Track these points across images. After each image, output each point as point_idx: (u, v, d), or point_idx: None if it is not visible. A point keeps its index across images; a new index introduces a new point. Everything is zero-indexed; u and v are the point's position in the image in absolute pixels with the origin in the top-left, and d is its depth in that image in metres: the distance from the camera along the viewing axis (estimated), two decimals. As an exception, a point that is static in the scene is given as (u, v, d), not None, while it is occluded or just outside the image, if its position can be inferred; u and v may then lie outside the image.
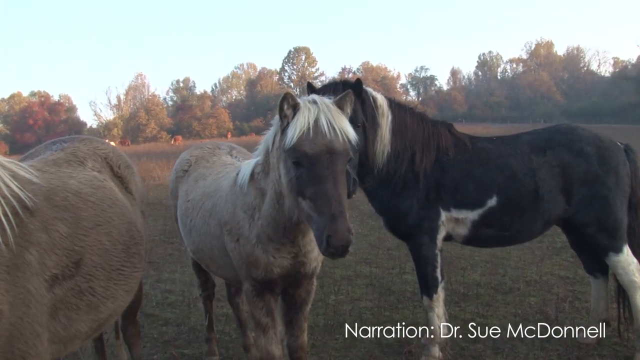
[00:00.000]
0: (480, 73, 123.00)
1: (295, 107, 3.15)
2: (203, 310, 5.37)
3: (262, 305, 3.67)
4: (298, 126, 3.06)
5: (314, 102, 3.15)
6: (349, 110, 3.31)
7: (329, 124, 3.06)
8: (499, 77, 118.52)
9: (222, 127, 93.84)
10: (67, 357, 4.96)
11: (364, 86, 4.72)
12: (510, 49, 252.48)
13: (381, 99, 4.81)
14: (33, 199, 2.58)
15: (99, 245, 2.93)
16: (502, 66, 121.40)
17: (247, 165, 3.82)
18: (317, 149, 3.00)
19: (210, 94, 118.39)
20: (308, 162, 3.01)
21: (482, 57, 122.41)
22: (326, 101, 3.18)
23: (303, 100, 3.19)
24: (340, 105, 3.23)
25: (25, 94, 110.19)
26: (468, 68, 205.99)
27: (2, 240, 2.32)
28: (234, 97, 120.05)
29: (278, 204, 3.37)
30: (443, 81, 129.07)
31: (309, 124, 3.05)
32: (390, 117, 4.77)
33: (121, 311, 3.38)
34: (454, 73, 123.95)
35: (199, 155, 4.92)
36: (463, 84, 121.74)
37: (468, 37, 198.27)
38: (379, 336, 5.42)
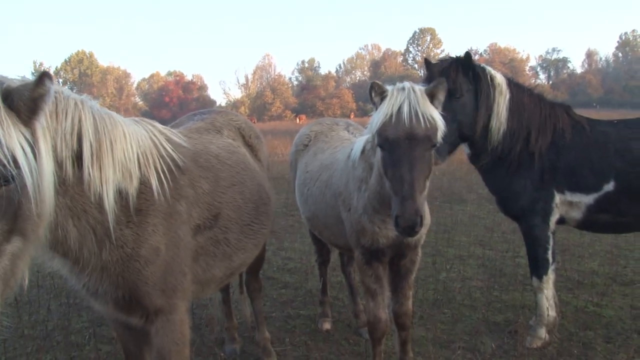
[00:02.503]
0: (620, 54, 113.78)
1: (383, 94, 3.36)
2: (318, 275, 5.75)
3: (371, 273, 3.92)
4: (382, 113, 3.28)
5: (402, 89, 3.31)
6: (441, 97, 3.41)
7: (412, 111, 3.21)
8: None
9: (345, 107, 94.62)
10: (197, 307, 5.59)
11: (475, 61, 4.83)
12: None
13: (500, 78, 4.87)
14: (183, 160, 3.00)
15: (233, 202, 3.35)
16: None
17: (359, 141, 4.08)
18: (396, 135, 3.20)
19: (335, 74, 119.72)
20: (389, 146, 3.24)
21: (623, 37, 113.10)
22: (415, 88, 3.31)
23: (392, 88, 3.37)
24: (432, 93, 3.35)
25: (162, 73, 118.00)
26: (606, 49, 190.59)
27: (162, 193, 2.76)
28: (357, 78, 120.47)
29: (382, 180, 3.55)
30: (577, 64, 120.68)
31: (392, 110, 3.24)
32: (508, 96, 4.82)
33: (249, 263, 3.83)
34: (590, 55, 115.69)
35: (318, 130, 5.26)
36: (599, 66, 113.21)
37: (607, 15, 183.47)
38: (486, 314, 5.56)
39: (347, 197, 3.99)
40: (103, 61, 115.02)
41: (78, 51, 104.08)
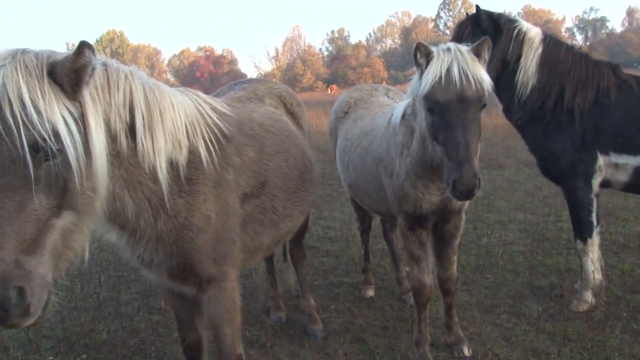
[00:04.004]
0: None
1: (429, 56, 3.26)
2: (360, 243, 5.76)
3: (415, 239, 3.90)
4: (430, 75, 3.19)
5: (448, 49, 3.22)
6: (486, 56, 3.32)
7: (462, 72, 3.14)
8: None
9: (377, 76, 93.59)
10: (242, 277, 5.68)
11: (492, 14, 4.81)
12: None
13: (535, 32, 4.78)
14: (229, 128, 3.01)
15: (279, 170, 3.37)
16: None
17: (399, 106, 4.03)
18: (448, 97, 3.13)
19: (365, 43, 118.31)
20: (440, 110, 3.16)
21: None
22: (461, 48, 3.23)
23: (438, 49, 3.27)
24: (477, 52, 3.26)
25: (192, 49, 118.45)
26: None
27: (210, 161, 2.79)
28: (388, 46, 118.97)
29: (424, 145, 3.51)
30: (616, 23, 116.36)
31: (441, 72, 3.16)
32: (540, 50, 4.71)
33: (295, 230, 3.85)
34: (631, 13, 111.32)
35: (357, 97, 5.20)
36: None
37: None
38: (530, 279, 5.52)
39: (389, 163, 3.97)
40: (133, 39, 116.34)
41: (109, 31, 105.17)
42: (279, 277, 5.34)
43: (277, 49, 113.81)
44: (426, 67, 3.27)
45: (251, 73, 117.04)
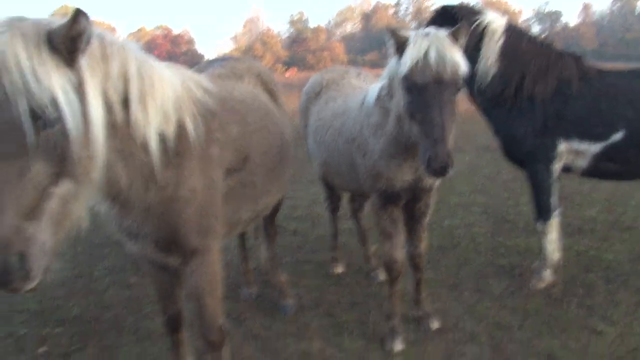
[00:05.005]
0: (615, 8, 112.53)
1: (403, 41, 3.38)
2: (329, 221, 5.85)
3: (387, 216, 4.02)
4: (409, 58, 3.29)
5: (427, 34, 3.32)
6: (463, 41, 3.43)
7: (439, 56, 3.24)
8: (636, 13, 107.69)
9: (336, 60, 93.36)
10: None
11: (460, 9, 4.96)
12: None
13: (498, 24, 4.93)
14: (213, 104, 3.05)
15: (260, 147, 3.42)
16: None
17: (373, 87, 4.12)
18: (425, 79, 3.24)
19: (325, 27, 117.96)
20: (417, 91, 3.28)
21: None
22: (439, 33, 3.34)
23: (417, 32, 3.38)
24: (454, 37, 3.37)
25: (148, 28, 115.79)
26: (602, 4, 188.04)
27: (197, 136, 2.82)
28: (348, 30, 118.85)
29: (399, 125, 3.62)
30: (572, 17, 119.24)
31: (419, 55, 3.26)
32: (502, 41, 4.88)
33: (272, 206, 3.93)
34: (586, 8, 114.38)
35: (329, 78, 5.24)
36: (594, 19, 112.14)
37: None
38: (491, 259, 5.73)
39: (362, 143, 4.05)
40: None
41: (62, 6, 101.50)
42: (250, 254, 5.40)
43: (235, 31, 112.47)
44: (406, 50, 3.35)
45: (209, 54, 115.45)
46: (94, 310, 4.72)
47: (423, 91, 3.25)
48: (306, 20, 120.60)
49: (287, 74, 66.78)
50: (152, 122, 2.53)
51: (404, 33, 3.44)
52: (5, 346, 4.30)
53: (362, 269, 5.64)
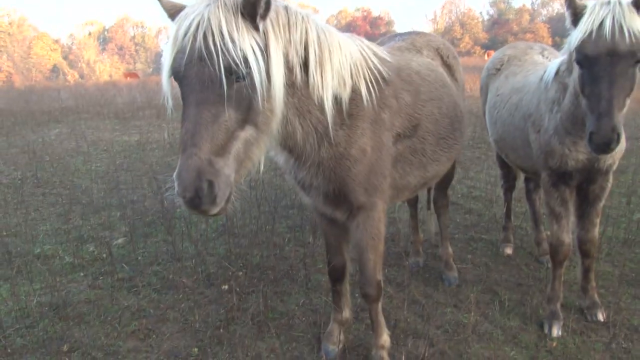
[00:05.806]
0: None
1: (581, 10, 3.24)
2: (503, 201, 5.81)
3: (557, 195, 3.91)
4: (581, 29, 3.18)
5: (607, 3, 3.16)
6: None
7: (616, 26, 3.08)
8: None
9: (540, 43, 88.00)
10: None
11: None
12: None
13: None
14: (388, 73, 3.28)
15: (431, 116, 3.59)
16: None
17: (553, 63, 4.02)
18: (596, 51, 3.11)
19: (529, 7, 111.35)
20: (588, 63, 3.16)
21: None
22: (622, 1, 3.14)
23: (594, 3, 3.21)
24: (638, 5, 3.14)
25: (350, 10, 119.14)
26: None
27: (369, 100, 3.09)
28: (555, 11, 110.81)
29: (577, 100, 3.49)
30: None
31: (592, 26, 3.13)
32: None
33: (441, 175, 4.07)
34: None
35: (511, 54, 5.19)
36: None
37: None
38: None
39: (537, 119, 4.00)
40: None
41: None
42: (421, 226, 5.60)
43: (435, 12, 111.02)
44: (580, 20, 3.26)
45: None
46: (272, 260, 5.28)
47: (594, 64, 3.14)
48: (509, 0, 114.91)
49: (486, 58, 64.36)
50: (329, 85, 2.84)
51: (583, 1, 3.32)
52: (198, 280, 5.02)
53: (532, 252, 5.54)
